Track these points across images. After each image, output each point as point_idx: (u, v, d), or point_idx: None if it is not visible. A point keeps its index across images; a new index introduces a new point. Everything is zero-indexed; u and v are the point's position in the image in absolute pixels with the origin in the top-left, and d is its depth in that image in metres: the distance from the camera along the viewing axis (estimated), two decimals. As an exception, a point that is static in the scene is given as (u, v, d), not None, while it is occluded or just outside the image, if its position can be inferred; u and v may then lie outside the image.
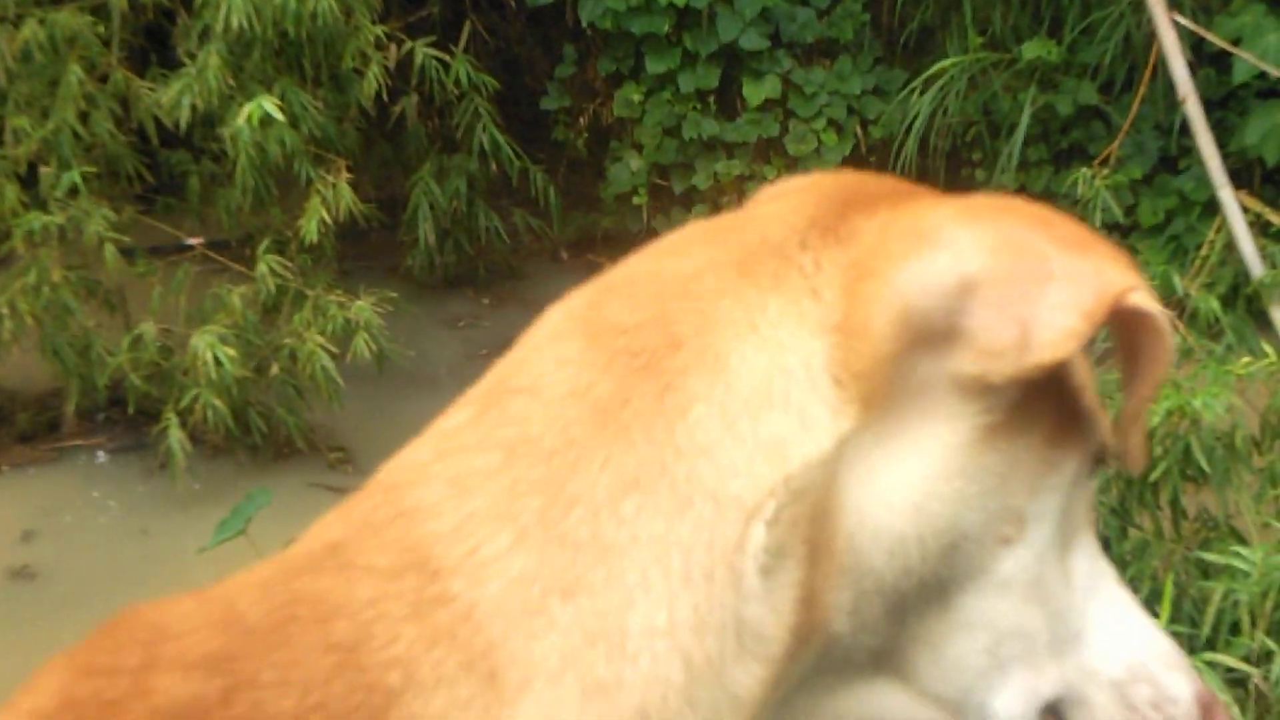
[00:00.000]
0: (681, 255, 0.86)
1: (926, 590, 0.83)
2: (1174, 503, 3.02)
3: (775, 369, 0.79)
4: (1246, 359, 2.99)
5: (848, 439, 0.79)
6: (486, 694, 0.71)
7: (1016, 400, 0.82)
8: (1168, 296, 3.68)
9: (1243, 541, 2.77)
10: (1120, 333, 0.83)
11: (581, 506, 0.75)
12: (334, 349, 4.56)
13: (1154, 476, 2.94)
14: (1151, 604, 2.76)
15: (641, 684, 0.74)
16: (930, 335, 0.79)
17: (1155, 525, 3.12)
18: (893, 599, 0.83)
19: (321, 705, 0.70)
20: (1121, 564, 3.07)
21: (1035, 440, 0.85)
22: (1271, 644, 2.23)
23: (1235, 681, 2.28)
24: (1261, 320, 3.67)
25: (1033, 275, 0.79)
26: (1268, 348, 3.09)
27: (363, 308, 4.66)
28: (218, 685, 0.70)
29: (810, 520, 0.78)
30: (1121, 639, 0.93)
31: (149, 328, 4.56)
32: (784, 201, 0.89)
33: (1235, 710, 2.06)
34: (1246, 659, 2.22)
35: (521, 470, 0.77)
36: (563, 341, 0.82)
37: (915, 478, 0.81)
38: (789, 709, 0.85)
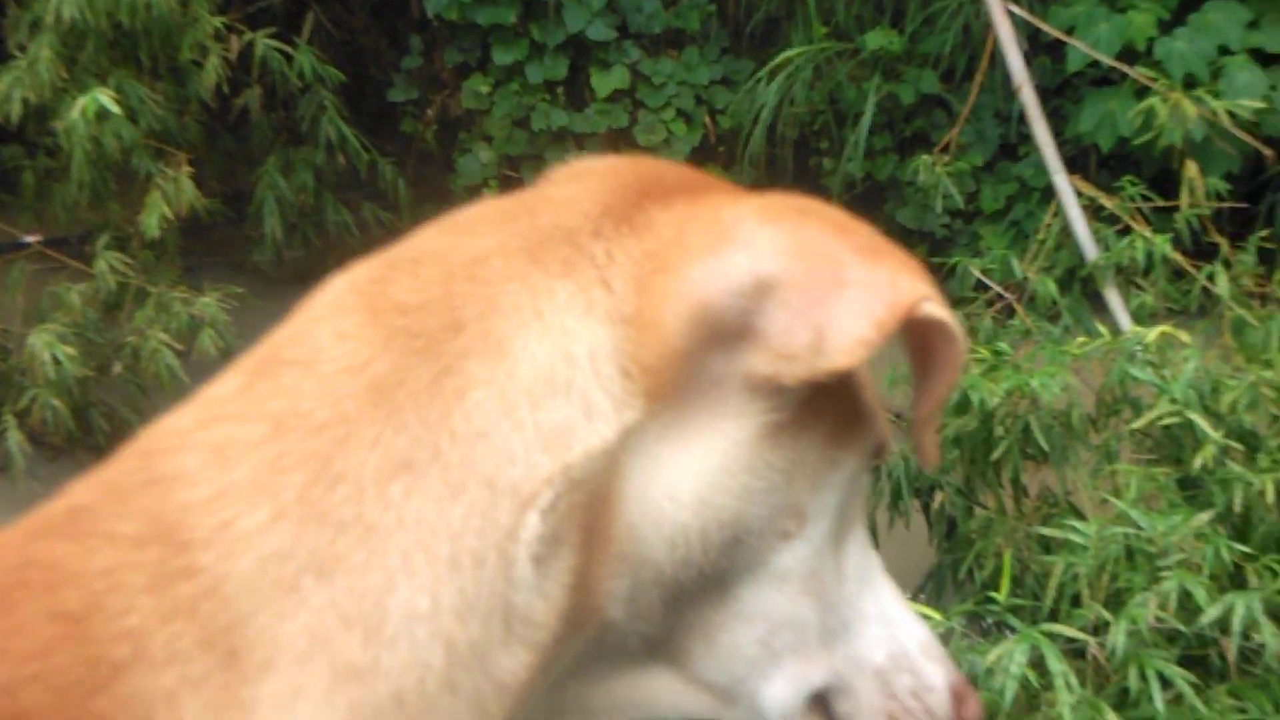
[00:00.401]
0: (471, 235, 0.84)
1: (705, 582, 0.84)
2: (1015, 481, 3.10)
3: (560, 357, 0.78)
4: (1082, 339, 3.08)
5: (632, 430, 0.79)
6: (224, 672, 0.69)
7: (804, 399, 0.83)
8: (1008, 280, 3.78)
9: (1081, 517, 2.85)
10: (911, 339, 0.85)
11: (347, 485, 0.73)
12: (179, 346, 4.47)
13: (996, 455, 3.01)
14: (995, 579, 2.83)
15: (399, 668, 0.72)
16: (723, 333, 0.80)
17: (998, 503, 3.20)
18: (671, 589, 0.83)
19: (38, 677, 0.66)
20: (967, 542, 3.14)
21: (819, 438, 0.86)
22: (1107, 615, 2.30)
23: (1075, 652, 2.34)
24: (1096, 301, 3.78)
25: (829, 281, 0.79)
26: (1102, 328, 3.19)
27: (208, 304, 4.58)
28: None
29: (588, 509, 0.78)
30: (886, 629, 0.96)
31: (-14, 329, 4.43)
32: (579, 185, 0.88)
33: (1074, 679, 2.12)
34: (1085, 629, 2.29)
35: (288, 444, 0.74)
36: (343, 316, 0.80)
37: (701, 471, 0.81)
38: (561, 694, 0.85)
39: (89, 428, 4.45)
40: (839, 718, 0.95)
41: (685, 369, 0.80)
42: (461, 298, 0.79)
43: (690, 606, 0.85)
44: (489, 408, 0.76)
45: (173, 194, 4.61)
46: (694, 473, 0.81)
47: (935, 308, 0.81)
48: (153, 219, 4.54)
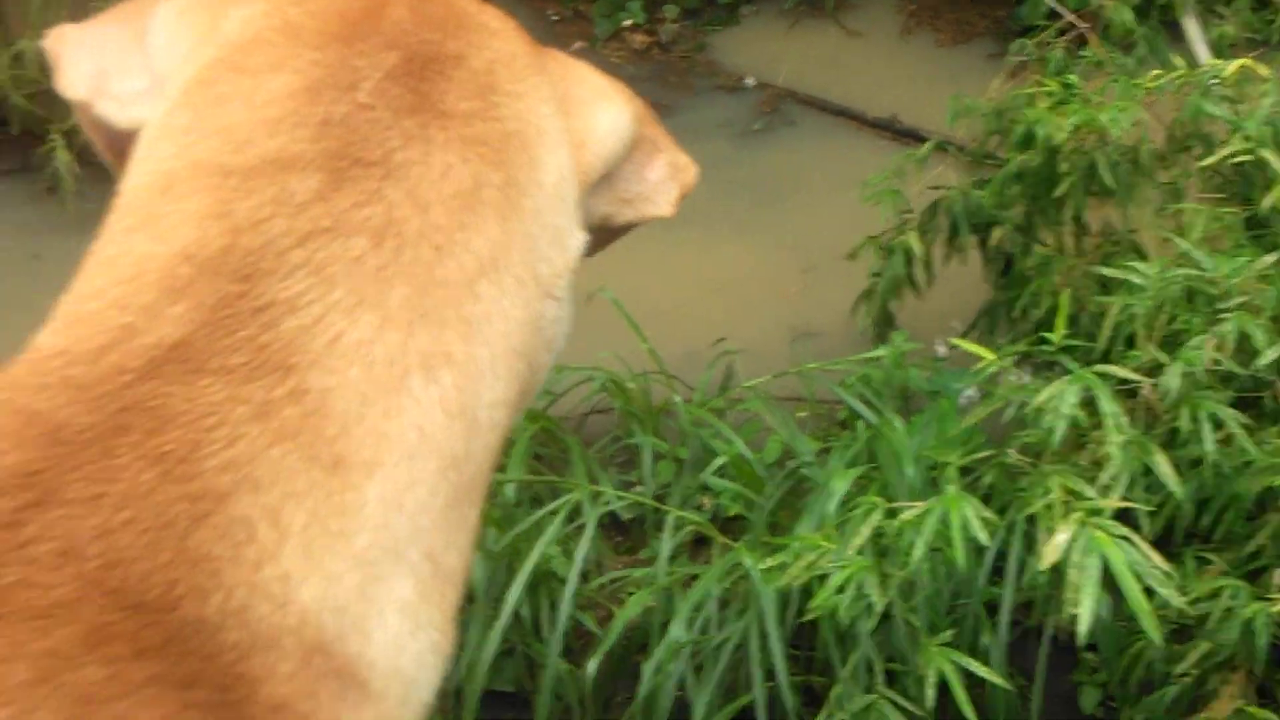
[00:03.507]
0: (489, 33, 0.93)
1: None
2: (1077, 218, 3.04)
3: (565, 172, 0.90)
4: (1156, 72, 2.96)
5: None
6: (328, 481, 0.71)
7: None
8: (1082, 8, 3.62)
9: (1142, 256, 2.80)
10: None
11: (445, 289, 0.78)
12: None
13: (1059, 192, 2.94)
14: (1049, 318, 2.80)
15: (482, 453, 0.79)
16: (598, 177, 0.96)
17: (1058, 241, 3.14)
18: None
19: (133, 521, 0.66)
20: (1023, 280, 3.10)
21: None
22: (1162, 356, 2.27)
23: (1128, 393, 2.32)
24: (1174, 31, 3.62)
25: (656, 146, 1.00)
26: (1178, 60, 3.06)
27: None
28: (4, 506, 0.65)
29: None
30: None
31: (29, 43, 4.34)
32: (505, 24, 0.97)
33: (1124, 419, 2.10)
34: (1138, 370, 2.26)
35: (386, 256, 0.77)
36: (404, 115, 0.82)
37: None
38: None
39: (140, 146, 4.44)
40: None
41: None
42: (503, 109, 0.87)
43: None
44: (536, 212, 0.86)
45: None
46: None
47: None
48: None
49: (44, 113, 4.38)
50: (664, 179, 0.99)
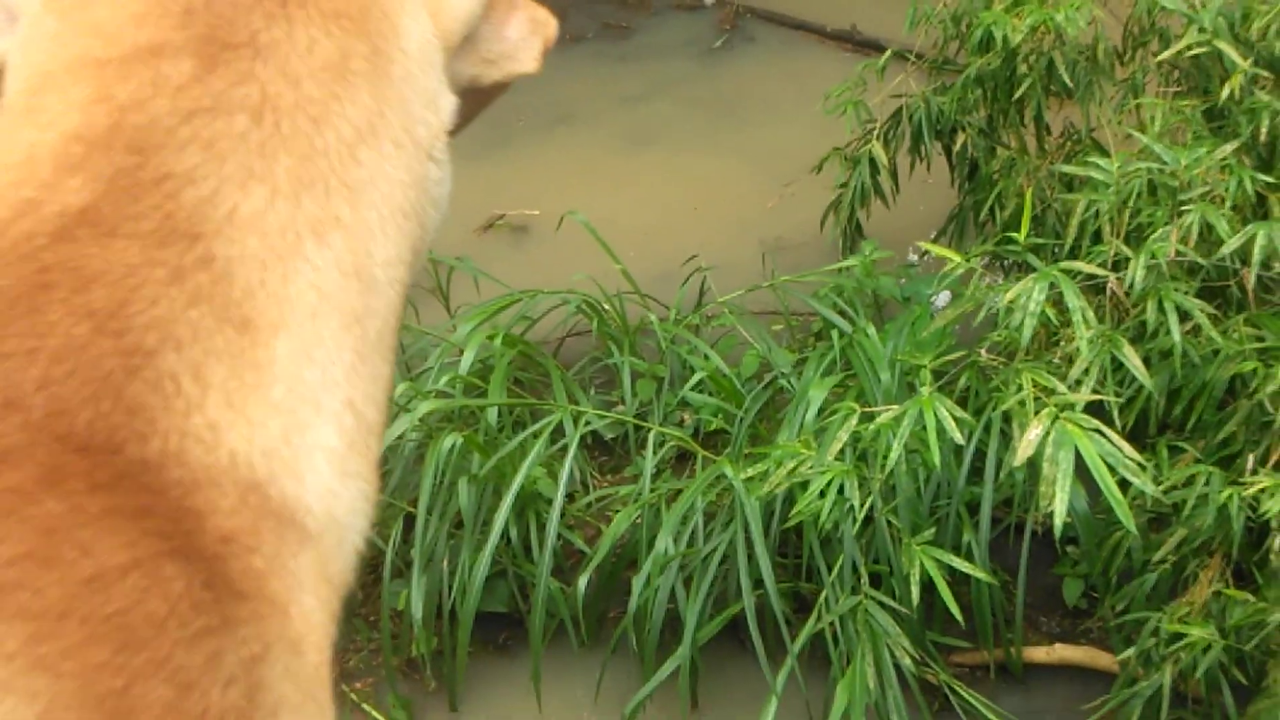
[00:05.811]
0: None
1: None
2: (1038, 119, 3.06)
3: (430, 36, 0.93)
4: (1110, -31, 2.97)
5: None
6: (240, 340, 0.76)
7: None
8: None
9: (1104, 153, 2.82)
10: None
11: (327, 158, 0.83)
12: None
13: (1019, 94, 2.96)
14: (1017, 220, 2.83)
15: (383, 310, 0.85)
16: (459, 40, 0.97)
17: (1020, 142, 3.16)
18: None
19: (74, 372, 0.71)
20: (989, 183, 3.12)
21: None
22: (1127, 250, 2.30)
23: (1095, 288, 2.36)
24: (1127, -72, 3.63)
25: (512, 3, 1.00)
26: (1131, -44, 3.07)
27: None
28: None
29: None
30: None
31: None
32: None
33: (1092, 314, 2.13)
34: (1105, 265, 2.29)
35: (268, 130, 0.82)
36: None
37: None
38: None
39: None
40: None
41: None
42: None
43: None
44: (406, 77, 0.90)
45: None
46: None
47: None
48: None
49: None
50: (525, 35, 1.02)
